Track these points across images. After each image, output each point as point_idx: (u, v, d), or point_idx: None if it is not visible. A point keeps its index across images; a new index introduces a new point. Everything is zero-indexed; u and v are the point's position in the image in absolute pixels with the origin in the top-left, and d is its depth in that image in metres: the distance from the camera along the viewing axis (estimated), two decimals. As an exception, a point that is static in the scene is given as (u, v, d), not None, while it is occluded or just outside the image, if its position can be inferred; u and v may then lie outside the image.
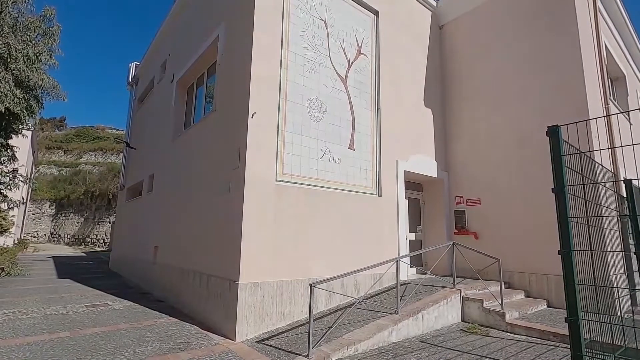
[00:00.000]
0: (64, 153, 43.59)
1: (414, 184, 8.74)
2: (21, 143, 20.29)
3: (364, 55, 7.48)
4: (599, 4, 7.88)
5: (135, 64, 13.96)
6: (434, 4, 9.39)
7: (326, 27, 6.85)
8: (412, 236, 8.58)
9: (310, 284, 4.22)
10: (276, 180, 5.63)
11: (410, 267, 7.83)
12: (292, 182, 5.85)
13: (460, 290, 6.18)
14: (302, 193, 5.91)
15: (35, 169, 35.35)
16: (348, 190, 6.66)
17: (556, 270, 6.78)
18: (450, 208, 8.72)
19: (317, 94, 6.48)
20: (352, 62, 7.20)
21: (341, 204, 6.44)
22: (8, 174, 11.14)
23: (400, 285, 6.03)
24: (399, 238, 7.36)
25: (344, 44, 7.11)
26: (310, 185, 6.08)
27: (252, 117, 5.42)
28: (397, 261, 5.44)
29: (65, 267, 13.72)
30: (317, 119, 6.40)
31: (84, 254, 22.01)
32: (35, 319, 5.69)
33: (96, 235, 30.35)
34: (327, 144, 6.46)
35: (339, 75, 6.92)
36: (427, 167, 8.40)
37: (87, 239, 30.68)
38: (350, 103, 7.01)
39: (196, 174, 7.06)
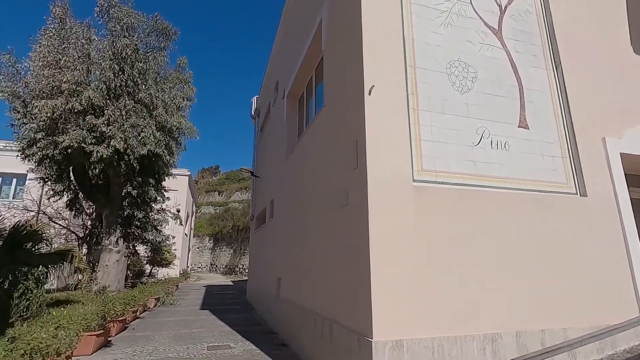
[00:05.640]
0: (219, 194, 51.32)
1: (634, 177, 5.51)
2: (179, 185, 23.93)
3: (522, -5, 5.14)
4: None
5: (256, 97, 14.45)
6: None
7: (460, -35, 4.89)
8: (644, 260, 5.26)
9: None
10: (414, 181, 3.80)
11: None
12: (438, 182, 3.90)
13: None
14: (456, 197, 3.88)
15: (197, 209, 42.06)
16: (526, 190, 4.26)
17: None
18: None
19: (460, 54, 4.48)
20: (505, 7, 4.97)
21: (517, 211, 4.09)
22: (160, 212, 12.43)
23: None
24: (632, 263, 4.39)
25: (490, -16, 4.98)
26: (465, 185, 4.00)
27: (369, 93, 3.82)
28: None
29: (210, 297, 14.46)
30: (464, 88, 4.37)
31: (232, 283, 23.82)
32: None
33: (243, 265, 33.27)
34: (483, 123, 4.32)
35: (489, 27, 4.77)
36: (658, 145, 5.14)
37: (236, 268, 33.97)
38: (512, 61, 4.72)
39: (309, 190, 5.80)
